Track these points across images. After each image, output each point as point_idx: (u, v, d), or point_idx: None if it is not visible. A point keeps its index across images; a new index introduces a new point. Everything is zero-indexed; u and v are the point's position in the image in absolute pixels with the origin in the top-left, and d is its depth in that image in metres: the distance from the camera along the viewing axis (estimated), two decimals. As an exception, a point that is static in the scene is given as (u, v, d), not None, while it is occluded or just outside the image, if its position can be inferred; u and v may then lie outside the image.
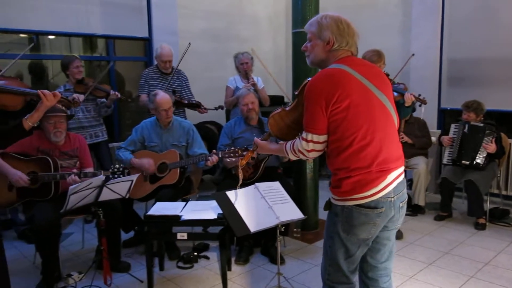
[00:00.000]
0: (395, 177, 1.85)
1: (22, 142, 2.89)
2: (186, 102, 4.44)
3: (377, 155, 1.79)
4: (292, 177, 4.13)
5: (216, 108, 4.54)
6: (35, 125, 2.18)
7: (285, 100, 6.07)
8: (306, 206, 3.92)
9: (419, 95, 3.83)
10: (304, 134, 1.86)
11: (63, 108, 3.23)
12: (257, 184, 2.83)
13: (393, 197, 1.83)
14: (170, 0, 5.50)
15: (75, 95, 3.75)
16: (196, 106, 4.46)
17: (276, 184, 2.91)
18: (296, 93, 2.03)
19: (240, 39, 6.33)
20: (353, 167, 1.78)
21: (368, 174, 1.78)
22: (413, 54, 4.08)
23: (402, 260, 3.46)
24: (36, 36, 4.78)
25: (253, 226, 2.59)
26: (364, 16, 5.90)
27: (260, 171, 3.58)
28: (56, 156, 3.20)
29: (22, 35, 4.84)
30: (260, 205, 2.73)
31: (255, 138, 2.23)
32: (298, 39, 3.87)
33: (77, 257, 3.68)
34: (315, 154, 1.89)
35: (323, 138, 1.83)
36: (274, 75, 6.57)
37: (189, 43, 4.40)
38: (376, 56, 3.64)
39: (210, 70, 5.93)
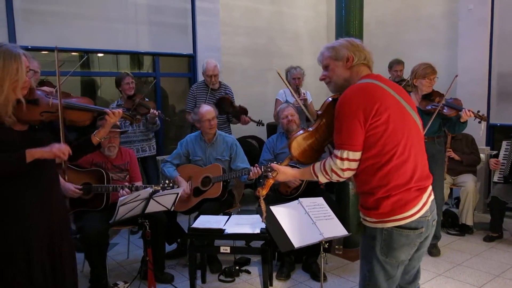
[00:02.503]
0: (429, 195, 1.80)
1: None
2: (235, 104, 4.51)
3: (414, 171, 1.73)
4: (334, 193, 4.09)
5: (258, 122, 4.56)
6: (101, 140, 2.31)
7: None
8: (348, 223, 3.86)
9: (478, 111, 3.68)
10: (337, 152, 1.76)
11: (118, 124, 3.38)
12: (300, 199, 2.83)
13: (429, 215, 1.78)
14: (214, 18, 5.66)
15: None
16: (244, 112, 4.51)
17: (320, 200, 2.89)
18: (319, 112, 1.96)
19: (281, 55, 6.40)
20: (392, 185, 1.70)
21: (407, 192, 1.72)
22: (456, 75, 3.99)
23: (450, 282, 3.33)
24: (86, 54, 5.03)
25: (297, 241, 2.58)
26: (407, 30, 5.83)
27: (303, 187, 3.57)
28: (108, 168, 3.35)
29: (74, 53, 5.11)
30: (303, 220, 2.72)
31: (273, 164, 2.08)
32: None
33: (122, 266, 3.78)
34: (349, 174, 1.78)
35: (359, 155, 1.74)
36: (317, 90, 6.62)
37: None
38: (430, 69, 3.53)
39: (251, 86, 6.01)
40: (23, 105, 1.97)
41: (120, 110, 2.28)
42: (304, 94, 4.58)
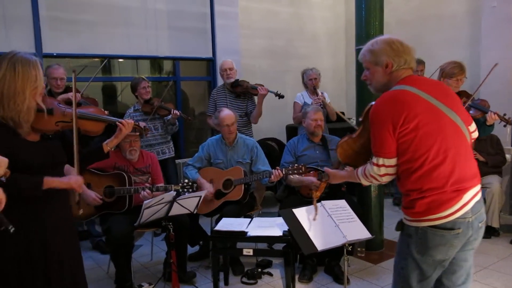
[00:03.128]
0: (472, 196, 1.78)
1: (101, 159, 3.09)
2: (245, 85, 4.51)
3: (450, 174, 1.74)
4: (356, 195, 4.06)
5: (276, 93, 4.52)
6: (112, 149, 2.38)
7: (347, 116, 6.02)
8: (370, 225, 3.83)
9: (504, 114, 3.61)
10: (374, 159, 1.85)
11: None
12: (323, 202, 2.82)
13: (471, 217, 1.77)
14: (232, 21, 5.70)
15: (140, 123, 4.00)
16: (255, 88, 4.49)
17: (343, 203, 2.89)
18: (360, 119, 2.03)
19: (299, 57, 6.40)
20: (425, 188, 1.75)
21: (442, 194, 1.73)
22: (496, 64, 3.78)
23: (476, 285, 3.27)
24: (107, 60, 5.12)
25: (320, 244, 2.58)
26: (428, 29, 5.76)
27: (324, 189, 3.55)
28: (130, 172, 3.41)
29: (95, 59, 5.21)
30: (326, 223, 2.72)
31: (326, 169, 2.26)
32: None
33: (146, 268, 3.84)
34: (388, 178, 1.87)
35: (393, 161, 1.81)
36: (335, 92, 6.60)
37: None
38: (458, 69, 3.48)
39: (270, 88, 6.00)
40: (43, 114, 2.00)
41: (131, 121, 2.34)
42: (322, 94, 4.57)
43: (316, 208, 2.42)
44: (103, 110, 2.41)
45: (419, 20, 5.87)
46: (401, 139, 1.76)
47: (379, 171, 1.84)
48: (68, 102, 2.85)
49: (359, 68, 3.94)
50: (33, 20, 4.43)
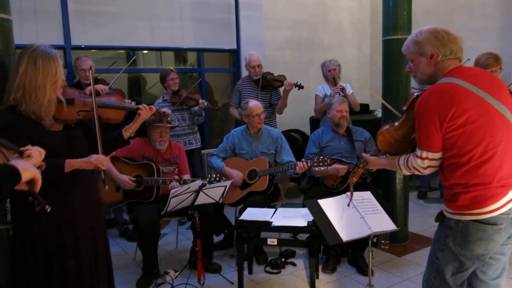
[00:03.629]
0: None
1: (130, 148, 3.16)
2: (269, 78, 4.53)
3: (497, 170, 1.71)
4: (380, 188, 4.04)
5: (297, 85, 4.52)
6: (132, 135, 2.38)
7: (370, 108, 5.96)
8: (395, 218, 3.78)
9: None
10: (418, 152, 1.82)
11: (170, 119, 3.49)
12: (348, 193, 2.82)
13: None
14: (257, 12, 5.70)
15: (164, 109, 4.06)
16: (281, 81, 4.52)
17: (368, 194, 2.88)
18: (404, 108, 2.00)
19: (323, 48, 6.35)
20: (471, 183, 1.72)
21: (487, 189, 1.71)
22: None
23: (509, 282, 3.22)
24: (132, 52, 5.20)
25: (345, 235, 2.59)
26: (457, 19, 5.62)
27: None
28: (158, 162, 3.48)
29: (121, 51, 5.30)
30: (351, 214, 2.72)
31: (364, 154, 2.24)
32: (389, 46, 3.78)
33: (172, 256, 3.92)
34: (431, 170, 1.85)
35: (438, 155, 1.79)
36: (358, 83, 6.53)
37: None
38: (493, 60, 3.42)
39: (293, 79, 5.95)
40: (63, 105, 2.05)
41: (153, 107, 2.35)
42: (341, 84, 4.54)
43: (351, 193, 2.44)
44: (124, 99, 2.46)
45: (448, 9, 5.73)
46: (447, 134, 1.73)
47: (423, 163, 1.82)
48: (97, 94, 2.92)
49: (386, 59, 3.89)
50: (62, 13, 4.53)
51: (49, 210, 1.38)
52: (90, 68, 2.70)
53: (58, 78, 1.99)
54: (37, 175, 1.36)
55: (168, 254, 3.96)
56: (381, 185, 4.03)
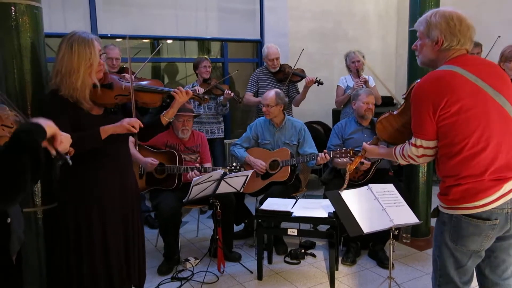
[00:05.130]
0: None
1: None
2: (287, 71, 4.51)
3: (491, 162, 1.66)
4: (403, 181, 3.99)
5: (317, 81, 4.47)
6: (170, 120, 2.40)
7: (394, 101, 5.87)
8: (417, 212, 3.76)
9: None
10: (413, 140, 1.80)
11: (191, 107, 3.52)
12: (370, 185, 2.80)
13: (510, 208, 1.69)
14: (281, 2, 5.67)
15: (196, 87, 4.11)
16: (300, 76, 4.51)
17: (390, 186, 2.85)
18: (403, 96, 1.97)
19: (348, 39, 6.27)
20: (463, 175, 1.68)
21: (479, 182, 1.66)
22: None
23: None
24: (156, 41, 5.25)
25: (366, 227, 2.57)
26: (487, 9, 5.46)
27: (371, 173, 3.52)
28: (181, 150, 3.52)
29: (145, 40, 5.35)
30: (373, 206, 2.70)
31: (364, 143, 2.21)
32: (416, 37, 3.70)
33: (193, 244, 3.98)
34: (426, 159, 1.82)
35: (432, 143, 1.76)
36: (383, 75, 6.43)
37: (303, 49, 4.52)
38: None
39: (317, 71, 5.92)
40: (98, 89, 2.10)
41: (189, 90, 2.34)
42: (364, 76, 4.48)
43: (347, 179, 2.44)
44: (160, 82, 2.48)
45: (477, 0, 5.56)
46: (441, 123, 1.70)
47: (417, 152, 1.79)
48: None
49: (412, 51, 3.80)
50: (89, 2, 4.60)
51: (70, 163, 1.40)
52: (126, 57, 2.70)
53: (93, 62, 2.03)
54: (57, 131, 1.37)
55: (189, 242, 4.02)
56: (403, 178, 3.99)
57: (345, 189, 2.69)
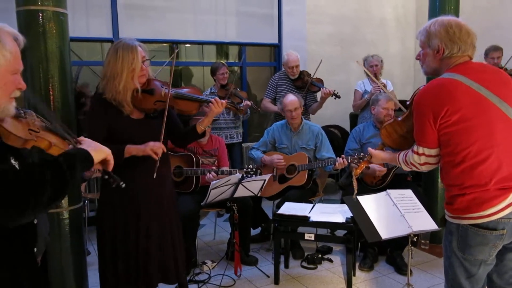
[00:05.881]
0: None
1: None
2: (306, 80, 4.50)
3: (495, 172, 1.64)
4: (421, 186, 3.95)
5: (334, 94, 4.44)
6: (205, 128, 2.44)
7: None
8: (436, 218, 3.69)
9: None
10: (415, 147, 1.81)
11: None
12: (388, 190, 2.79)
13: None
14: (299, 7, 5.68)
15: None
16: (318, 87, 4.49)
17: (409, 192, 2.83)
18: (408, 102, 1.96)
19: (366, 43, 6.24)
20: (467, 184, 1.67)
21: (485, 192, 1.65)
22: None
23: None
24: (176, 45, 5.31)
25: (384, 233, 2.57)
26: (508, 15, 5.37)
27: (389, 179, 3.50)
28: (199, 153, 3.56)
29: (164, 44, 5.42)
30: (391, 212, 2.69)
31: (369, 148, 2.21)
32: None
33: (210, 247, 4.01)
34: (428, 167, 1.82)
35: (434, 151, 1.76)
36: (401, 79, 6.39)
37: (321, 60, 4.53)
38: None
39: (335, 75, 5.95)
40: (139, 93, 2.17)
41: (224, 101, 2.38)
42: (382, 81, 4.45)
43: (355, 186, 2.41)
44: (198, 90, 2.53)
45: (497, 5, 5.48)
46: (442, 131, 1.69)
47: (419, 159, 1.80)
48: None
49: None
50: (111, 7, 4.69)
51: (123, 185, 1.49)
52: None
53: (135, 67, 2.11)
54: (109, 154, 1.44)
55: (206, 245, 4.05)
56: (422, 184, 3.95)
57: (360, 194, 2.68)
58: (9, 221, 1.18)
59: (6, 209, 1.14)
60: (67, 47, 2.44)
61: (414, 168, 1.86)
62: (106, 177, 1.47)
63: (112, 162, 1.45)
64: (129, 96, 2.14)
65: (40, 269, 1.42)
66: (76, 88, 3.32)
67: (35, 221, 1.38)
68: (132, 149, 2.15)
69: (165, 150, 2.24)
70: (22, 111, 1.43)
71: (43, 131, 1.48)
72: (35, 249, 1.37)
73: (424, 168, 1.83)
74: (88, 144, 1.42)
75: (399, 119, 2.02)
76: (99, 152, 1.40)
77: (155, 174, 2.20)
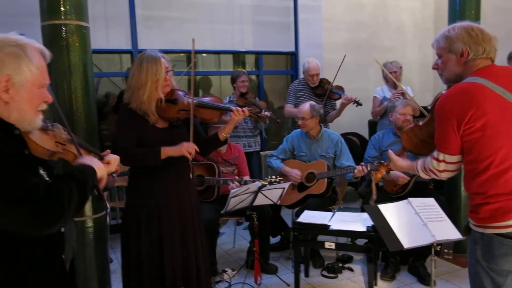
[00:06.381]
0: None
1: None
2: (326, 88, 4.47)
3: None
4: (443, 194, 3.89)
5: (356, 101, 4.41)
6: (227, 136, 2.49)
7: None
8: (459, 226, 3.63)
9: None
10: (435, 153, 1.74)
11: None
12: (410, 199, 2.75)
13: None
14: (316, 15, 5.69)
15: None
16: (338, 94, 4.47)
17: (431, 201, 2.79)
18: (429, 107, 1.92)
19: (383, 49, 6.20)
20: (491, 193, 1.61)
21: (510, 201, 1.59)
22: None
23: None
24: (194, 59, 5.35)
25: (406, 242, 2.52)
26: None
27: (410, 187, 3.46)
28: (218, 162, 3.57)
29: (181, 54, 5.47)
30: (413, 221, 2.65)
31: (390, 151, 2.16)
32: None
33: (229, 255, 4.01)
34: (447, 175, 1.76)
35: (456, 158, 1.70)
36: (420, 86, 6.32)
37: (344, 55, 4.51)
38: None
39: (352, 82, 5.90)
40: (163, 103, 2.23)
41: (246, 109, 2.41)
42: (402, 87, 4.39)
43: (374, 191, 2.38)
44: (220, 98, 2.57)
45: (520, 7, 5.39)
46: (465, 138, 1.63)
47: (439, 166, 1.74)
48: None
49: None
50: (130, 19, 4.77)
51: (108, 211, 1.52)
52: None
53: (159, 78, 2.19)
54: (105, 174, 1.50)
55: (225, 253, 4.05)
56: (444, 192, 3.89)
57: (380, 202, 2.65)
58: (41, 231, 1.24)
59: (38, 221, 1.19)
60: (89, 60, 2.50)
61: (432, 175, 1.81)
62: (96, 193, 1.51)
63: (105, 180, 1.50)
64: (154, 106, 2.21)
65: (69, 274, 1.46)
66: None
67: (62, 229, 1.41)
68: (168, 150, 2.22)
69: (198, 150, 2.28)
70: (49, 124, 1.47)
71: (69, 144, 1.52)
72: (63, 256, 1.41)
73: (443, 175, 1.78)
74: (90, 159, 1.47)
75: (420, 123, 1.99)
76: (100, 169, 1.46)
77: (191, 174, 2.32)
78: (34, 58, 1.29)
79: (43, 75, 1.33)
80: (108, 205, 1.51)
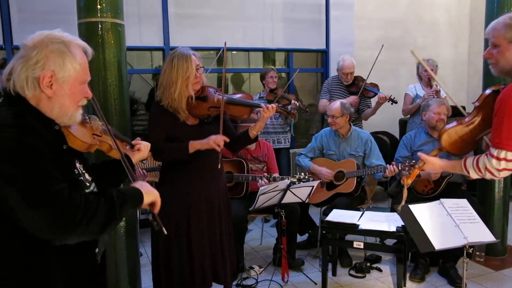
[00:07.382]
0: None
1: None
2: (361, 85, 4.43)
3: None
4: (476, 195, 3.78)
5: (391, 99, 4.35)
6: (258, 133, 2.48)
7: (467, 110, 5.59)
8: (492, 229, 3.53)
9: None
10: (494, 151, 1.68)
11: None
12: (442, 200, 2.69)
13: None
14: (348, 12, 5.63)
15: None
16: (373, 92, 4.42)
17: (464, 202, 2.72)
18: (476, 104, 1.85)
19: (416, 47, 6.06)
20: None
21: None
22: None
23: None
24: (222, 53, 5.39)
25: (438, 243, 2.47)
26: None
27: (442, 187, 3.38)
28: (247, 159, 3.60)
29: (211, 52, 5.52)
30: (445, 222, 2.59)
31: (421, 154, 2.08)
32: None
33: (256, 252, 4.03)
34: (506, 173, 1.71)
35: None
36: (454, 84, 6.16)
37: (382, 45, 4.50)
38: None
39: (384, 80, 5.79)
40: (193, 100, 2.26)
41: (274, 105, 2.41)
42: (436, 86, 4.29)
43: (405, 195, 2.29)
44: (250, 95, 2.59)
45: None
46: None
47: (499, 165, 1.67)
48: None
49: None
50: (163, 17, 4.85)
51: (165, 233, 1.48)
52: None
53: (190, 75, 2.21)
54: (158, 198, 1.47)
55: (253, 250, 4.07)
56: (477, 193, 3.79)
57: (410, 203, 2.60)
58: (53, 238, 1.20)
59: (50, 229, 1.16)
60: (123, 57, 2.56)
61: (488, 175, 1.74)
62: (151, 219, 1.47)
63: (159, 205, 1.47)
64: (184, 103, 2.23)
65: (100, 266, 1.50)
66: None
67: None
68: (195, 144, 2.24)
69: (227, 140, 2.28)
70: (87, 117, 1.52)
71: (105, 135, 1.57)
72: (97, 250, 1.45)
73: (501, 175, 1.72)
74: (141, 184, 1.44)
75: (464, 121, 1.90)
76: (149, 194, 1.43)
77: (219, 165, 2.32)
78: (77, 55, 1.33)
79: (85, 72, 1.37)
80: (165, 231, 1.45)
